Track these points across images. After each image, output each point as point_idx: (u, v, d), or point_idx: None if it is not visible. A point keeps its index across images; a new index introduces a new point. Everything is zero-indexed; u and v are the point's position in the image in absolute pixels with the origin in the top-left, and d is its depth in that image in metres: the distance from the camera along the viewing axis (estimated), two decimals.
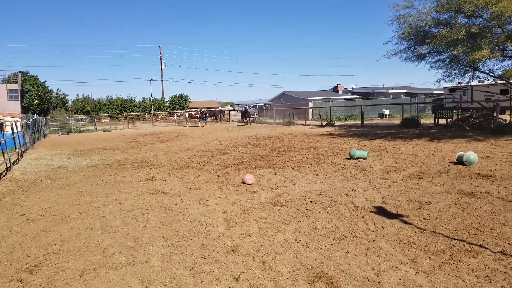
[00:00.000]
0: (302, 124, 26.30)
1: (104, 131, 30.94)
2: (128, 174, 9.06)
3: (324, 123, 24.35)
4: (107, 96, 51.30)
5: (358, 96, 48.96)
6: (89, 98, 50.49)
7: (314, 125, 23.78)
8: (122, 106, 49.41)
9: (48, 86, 44.95)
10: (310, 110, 34.46)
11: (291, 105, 36.82)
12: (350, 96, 50.10)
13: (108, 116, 43.81)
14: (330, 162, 9.34)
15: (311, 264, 3.60)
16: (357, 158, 9.52)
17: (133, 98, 52.15)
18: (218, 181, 7.66)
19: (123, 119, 38.10)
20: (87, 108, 47.88)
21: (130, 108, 49.80)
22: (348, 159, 9.67)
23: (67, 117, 36.53)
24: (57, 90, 47.91)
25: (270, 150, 12.36)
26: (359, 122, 23.25)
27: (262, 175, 8.06)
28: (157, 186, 7.51)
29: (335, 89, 57.33)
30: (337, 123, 24.61)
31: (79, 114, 44.74)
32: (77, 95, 49.45)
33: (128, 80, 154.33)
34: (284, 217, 5.10)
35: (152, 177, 8.32)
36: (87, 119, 40.25)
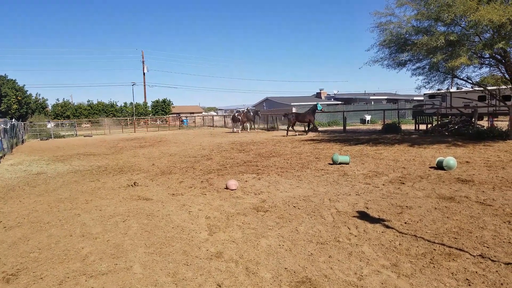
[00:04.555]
0: (286, 130, 26.41)
1: (84, 136, 30.34)
2: (109, 180, 8.90)
3: (307, 128, 24.52)
4: (88, 101, 50.54)
5: (340, 102, 49.67)
6: (70, 103, 49.51)
7: (297, 131, 23.91)
8: (103, 111, 48.63)
9: (27, 90, 44.01)
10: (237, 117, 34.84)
11: (274, 111, 37.00)
12: (333, 102, 50.77)
13: (89, 121, 43.01)
14: (313, 167, 9.40)
15: (294, 269, 3.60)
16: (339, 163, 9.61)
17: (114, 103, 51.43)
18: (201, 187, 7.61)
19: (105, 124, 37.41)
20: (67, 113, 46.93)
21: (111, 113, 49.04)
22: (331, 164, 9.76)
23: (47, 122, 35.63)
24: (37, 94, 47.01)
25: (254, 156, 12.36)
26: (342, 127, 23.54)
27: (246, 181, 8.05)
28: (139, 192, 7.39)
29: (318, 95, 58.03)
30: (320, 129, 24.83)
31: (59, 119, 43.80)
32: (57, 99, 48.51)
33: (109, 84, 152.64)
34: (267, 222, 5.09)
35: (134, 183, 8.19)
36: (67, 124, 39.41)
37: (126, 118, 45.45)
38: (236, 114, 28.31)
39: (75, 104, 49.80)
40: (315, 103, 23.60)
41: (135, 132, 35.02)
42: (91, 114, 47.83)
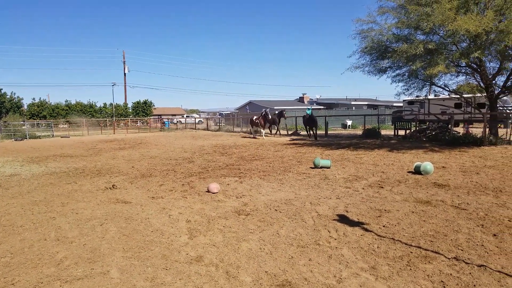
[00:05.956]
0: (268, 133, 26.50)
1: (61, 137, 29.58)
2: (87, 182, 8.70)
3: (290, 132, 24.69)
4: (66, 101, 49.18)
5: (323, 107, 50.25)
6: (46, 103, 48.17)
7: (280, 134, 24.02)
8: (81, 112, 47.54)
9: (1, 89, 42.49)
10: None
11: (257, 114, 37.07)
12: (315, 106, 51.26)
13: (67, 121, 41.97)
14: (295, 171, 9.46)
15: (275, 272, 3.60)
16: (321, 167, 9.71)
17: (94, 103, 50.38)
18: (182, 190, 7.53)
19: (83, 125, 36.56)
20: (44, 113, 45.61)
21: (90, 114, 48.01)
22: (313, 168, 9.84)
23: (22, 122, 34.56)
24: (11, 93, 45.24)
25: (236, 159, 12.33)
26: (324, 132, 23.79)
27: (228, 184, 8.02)
28: (118, 195, 7.25)
29: (301, 99, 58.53)
30: (302, 133, 25.01)
31: (34, 119, 42.52)
32: (33, 99, 46.94)
33: (89, 84, 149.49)
34: (249, 226, 5.08)
35: (113, 185, 8.04)
36: (44, 125, 38.32)
37: (105, 119, 44.57)
38: (254, 118, 24.50)
39: (52, 104, 48.43)
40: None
41: (114, 133, 34.37)
42: (69, 114, 46.68)
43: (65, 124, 42.31)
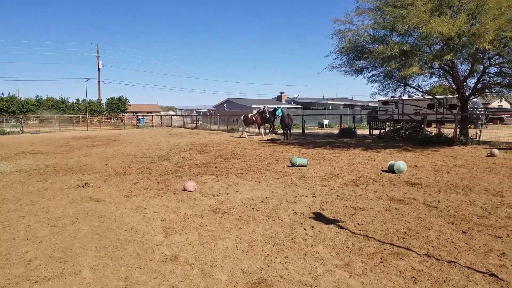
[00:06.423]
0: (246, 131, 26.49)
1: (32, 133, 28.54)
2: (58, 180, 8.42)
3: (267, 131, 24.74)
4: (37, 96, 47.52)
5: (300, 106, 50.65)
6: (16, 98, 46.36)
7: (258, 133, 24.05)
8: (53, 107, 46.02)
9: None
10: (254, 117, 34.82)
11: (235, 112, 36.99)
12: (292, 105, 51.64)
13: (37, 117, 40.52)
14: (272, 170, 9.49)
15: (250, 270, 3.60)
16: (298, 166, 9.78)
17: (66, 99, 48.88)
18: (158, 188, 7.41)
19: (54, 122, 35.37)
20: (13, 108, 43.94)
21: (62, 110, 46.54)
22: (290, 166, 9.90)
23: None
24: None
25: (214, 157, 12.26)
26: (301, 131, 23.99)
27: (204, 182, 7.95)
28: (91, 193, 7.06)
29: (279, 98, 58.77)
30: (279, 131, 25.13)
31: (3, 115, 40.86)
32: (2, 93, 45.10)
33: (61, 80, 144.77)
34: (225, 224, 5.06)
35: (85, 183, 7.81)
36: (13, 121, 36.85)
37: (78, 115, 43.36)
38: (249, 115, 22.16)
39: (22, 99, 46.69)
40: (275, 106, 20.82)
41: (87, 130, 33.45)
42: (40, 110, 45.08)
43: (35, 120, 40.85)
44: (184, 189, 7.10)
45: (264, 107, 21.59)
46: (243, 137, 21.16)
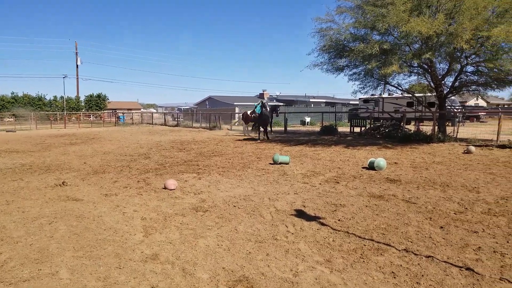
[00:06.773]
0: (228, 129, 26.41)
1: (7, 131, 27.63)
2: (34, 179, 8.18)
3: (249, 128, 24.74)
4: (12, 93, 45.92)
5: (282, 104, 50.77)
6: None
7: (240, 130, 24.00)
8: (29, 105, 44.64)
9: None
10: (236, 115, 34.74)
11: (217, 110, 36.82)
12: (275, 103, 51.72)
13: (13, 115, 39.24)
14: (254, 167, 9.48)
15: (232, 268, 3.58)
16: (280, 163, 9.80)
17: (43, 96, 47.49)
18: (138, 187, 7.29)
19: (31, 119, 34.33)
20: None
21: (39, 107, 45.22)
22: (272, 164, 9.91)
23: None
24: None
25: (195, 155, 12.15)
26: (283, 128, 24.08)
27: (186, 180, 7.87)
28: (68, 192, 6.88)
29: (261, 96, 58.71)
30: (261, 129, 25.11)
31: None
32: None
33: (37, 76, 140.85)
34: (206, 222, 5.02)
35: (63, 182, 7.61)
36: None
37: (55, 113, 42.20)
38: (249, 113, 19.76)
39: None
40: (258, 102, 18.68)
41: (65, 128, 32.64)
42: (15, 107, 43.65)
43: (11, 117, 39.51)
44: (165, 188, 7.01)
45: (263, 101, 19.51)
46: (254, 136, 19.24)
